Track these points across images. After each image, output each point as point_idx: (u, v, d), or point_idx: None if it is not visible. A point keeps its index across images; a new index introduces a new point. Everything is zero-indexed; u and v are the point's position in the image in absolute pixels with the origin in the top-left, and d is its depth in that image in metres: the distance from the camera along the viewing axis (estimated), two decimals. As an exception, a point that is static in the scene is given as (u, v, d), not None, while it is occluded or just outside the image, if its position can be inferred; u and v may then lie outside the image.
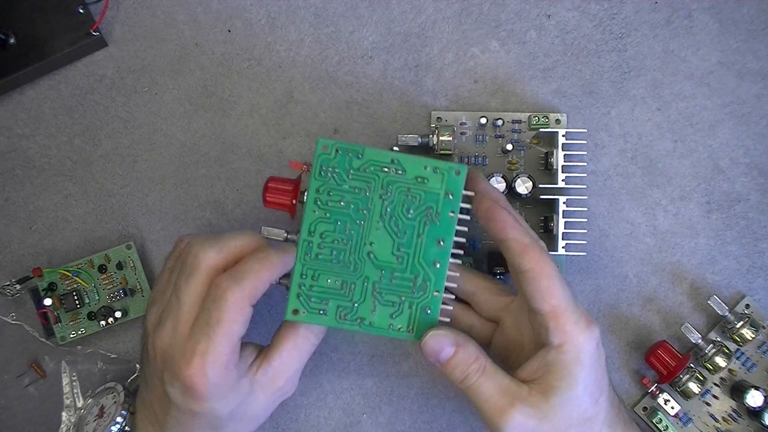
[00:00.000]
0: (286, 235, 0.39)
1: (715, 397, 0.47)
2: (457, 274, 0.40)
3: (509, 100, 0.48)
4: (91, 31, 0.47)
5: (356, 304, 0.39)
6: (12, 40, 0.47)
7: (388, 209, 0.38)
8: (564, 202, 0.44)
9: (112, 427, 0.43)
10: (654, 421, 0.46)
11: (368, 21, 0.49)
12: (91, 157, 0.49)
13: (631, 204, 0.48)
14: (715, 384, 0.47)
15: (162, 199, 0.49)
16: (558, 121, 0.47)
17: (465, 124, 0.47)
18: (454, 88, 0.49)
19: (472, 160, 0.47)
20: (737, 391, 0.45)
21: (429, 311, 0.39)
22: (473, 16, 0.49)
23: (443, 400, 0.48)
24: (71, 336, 0.47)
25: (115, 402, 0.44)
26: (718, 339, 0.46)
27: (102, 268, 0.47)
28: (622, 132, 0.48)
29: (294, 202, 0.40)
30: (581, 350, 0.37)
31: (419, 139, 0.46)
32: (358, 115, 0.49)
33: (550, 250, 0.45)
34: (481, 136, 0.47)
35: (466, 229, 0.39)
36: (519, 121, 0.47)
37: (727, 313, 0.45)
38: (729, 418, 0.46)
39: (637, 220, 0.48)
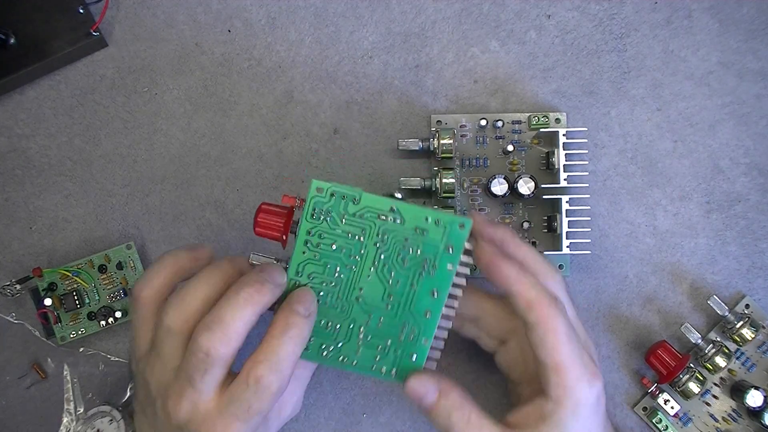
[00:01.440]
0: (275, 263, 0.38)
1: (715, 397, 0.47)
2: (452, 314, 0.38)
3: (509, 100, 0.48)
4: (91, 31, 0.47)
5: (340, 344, 0.38)
6: (12, 40, 0.47)
7: (382, 257, 0.37)
8: (567, 201, 0.44)
9: None
10: (654, 421, 0.46)
11: (368, 21, 0.49)
12: (91, 157, 0.49)
13: (631, 204, 0.48)
14: (715, 384, 0.47)
15: (162, 199, 0.49)
16: (558, 120, 0.47)
17: (465, 126, 0.47)
18: (454, 88, 0.49)
19: (473, 162, 0.47)
20: (737, 391, 0.45)
21: (415, 358, 0.38)
22: (473, 16, 0.49)
23: (443, 400, 0.48)
24: (71, 336, 0.47)
25: (117, 429, 0.43)
26: (718, 339, 0.46)
27: (102, 268, 0.47)
28: (622, 132, 0.48)
29: (285, 237, 0.38)
30: (579, 404, 0.37)
31: (420, 143, 0.45)
32: (358, 115, 0.49)
33: (554, 250, 0.45)
34: (481, 138, 0.47)
35: (463, 282, 0.37)
36: (519, 122, 0.47)
37: (727, 313, 0.45)
38: (729, 418, 0.46)
39: (637, 220, 0.48)
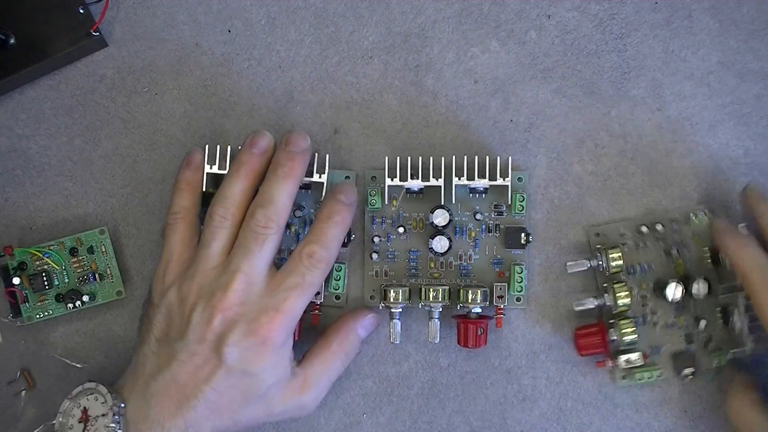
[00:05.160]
0: None
1: (653, 313, 0.46)
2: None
3: (509, 100, 0.48)
4: (91, 31, 0.47)
5: None
6: (12, 40, 0.47)
7: None
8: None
9: None
10: (637, 379, 0.46)
11: (368, 21, 0.49)
12: (91, 157, 0.49)
13: (632, 204, 0.48)
14: (643, 303, 0.46)
15: (162, 199, 0.49)
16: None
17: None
18: (454, 88, 0.49)
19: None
20: (659, 290, 0.45)
21: None
22: (473, 16, 0.49)
23: (443, 400, 0.48)
24: (38, 317, 0.47)
25: (102, 403, 0.41)
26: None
27: (73, 251, 0.47)
28: (622, 132, 0.48)
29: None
30: None
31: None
32: (358, 115, 0.49)
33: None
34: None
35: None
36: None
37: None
38: (677, 316, 0.46)
39: (638, 220, 0.48)
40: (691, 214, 0.46)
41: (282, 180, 0.42)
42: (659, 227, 0.46)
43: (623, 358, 0.45)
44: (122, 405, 0.41)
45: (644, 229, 0.46)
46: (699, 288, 0.44)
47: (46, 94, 0.49)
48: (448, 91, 0.49)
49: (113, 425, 0.40)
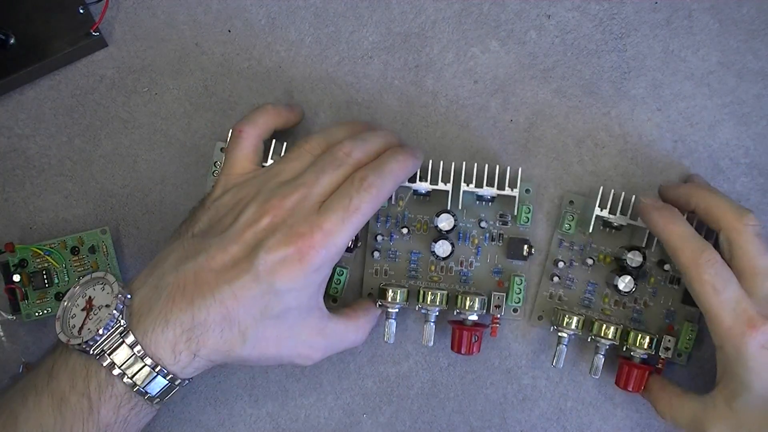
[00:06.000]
0: None
1: (636, 303, 0.46)
2: None
3: (509, 100, 0.48)
4: (91, 31, 0.47)
5: None
6: (12, 40, 0.47)
7: None
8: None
9: (110, 322, 0.38)
10: (688, 348, 0.45)
11: (368, 21, 0.49)
12: (91, 157, 0.49)
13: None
14: (620, 307, 0.47)
15: (162, 200, 0.49)
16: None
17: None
18: (454, 88, 0.49)
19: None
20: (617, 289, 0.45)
21: None
22: (473, 16, 0.49)
23: (443, 400, 0.48)
24: (36, 314, 0.47)
25: (108, 293, 0.40)
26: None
27: (74, 250, 0.47)
28: (622, 132, 0.48)
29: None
30: (742, 354, 0.39)
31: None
32: (358, 115, 0.49)
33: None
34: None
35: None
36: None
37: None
38: (648, 282, 0.46)
39: (637, 220, 0.48)
40: (565, 223, 0.47)
41: (396, 162, 0.41)
42: (561, 264, 0.47)
43: (662, 353, 0.45)
44: (128, 296, 0.39)
45: (555, 275, 0.47)
46: (633, 259, 0.44)
47: (46, 94, 0.49)
48: (448, 91, 0.49)
49: (116, 313, 0.38)
